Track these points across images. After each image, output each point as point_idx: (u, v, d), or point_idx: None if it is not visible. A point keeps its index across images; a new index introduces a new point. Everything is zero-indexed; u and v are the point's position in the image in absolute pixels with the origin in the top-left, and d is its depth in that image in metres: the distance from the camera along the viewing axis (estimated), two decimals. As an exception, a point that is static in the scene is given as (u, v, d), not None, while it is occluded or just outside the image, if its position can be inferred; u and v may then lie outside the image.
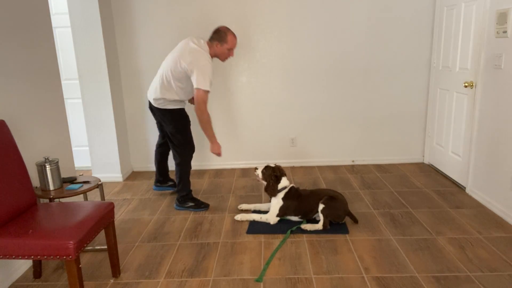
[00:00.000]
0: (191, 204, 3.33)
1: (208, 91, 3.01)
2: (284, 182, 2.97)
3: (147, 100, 3.37)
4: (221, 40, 3.10)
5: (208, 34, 3.07)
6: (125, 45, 4.12)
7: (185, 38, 3.20)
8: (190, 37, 3.18)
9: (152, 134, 4.31)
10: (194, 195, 3.50)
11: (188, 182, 3.35)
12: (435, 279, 2.25)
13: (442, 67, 3.91)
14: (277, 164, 3.04)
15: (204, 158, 4.40)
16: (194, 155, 3.38)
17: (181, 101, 3.24)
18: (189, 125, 3.30)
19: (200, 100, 3.00)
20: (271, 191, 2.94)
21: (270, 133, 4.36)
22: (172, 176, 3.99)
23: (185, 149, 3.27)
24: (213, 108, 4.29)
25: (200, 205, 3.32)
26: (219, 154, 3.26)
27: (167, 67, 3.11)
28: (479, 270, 2.32)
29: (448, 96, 3.79)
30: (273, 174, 2.95)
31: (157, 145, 3.61)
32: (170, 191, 3.74)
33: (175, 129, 3.21)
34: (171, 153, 3.53)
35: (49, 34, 2.92)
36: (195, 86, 2.99)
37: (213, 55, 3.15)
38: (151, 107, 3.31)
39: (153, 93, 3.19)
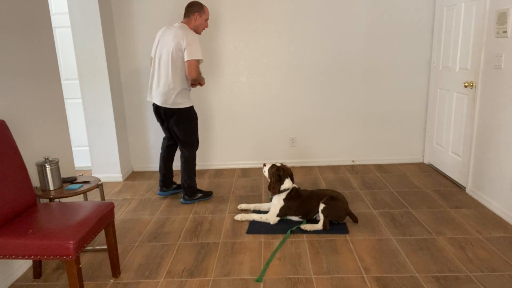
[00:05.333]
0: (200, 195, 3.49)
1: (199, 60, 3.05)
2: (287, 184, 2.97)
3: (152, 105, 3.34)
4: (200, 11, 3.13)
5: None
6: (125, 45, 4.12)
7: (161, 29, 3.25)
8: (165, 26, 3.24)
9: (152, 134, 4.32)
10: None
11: (195, 174, 3.47)
12: (435, 279, 2.25)
13: (442, 67, 3.91)
14: (284, 164, 3.05)
15: (204, 158, 4.40)
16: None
17: (189, 92, 3.26)
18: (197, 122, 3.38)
19: (192, 68, 3.03)
20: (273, 188, 2.97)
21: (270, 133, 4.36)
22: (175, 179, 3.98)
23: (194, 146, 3.39)
24: (213, 108, 4.29)
25: (208, 194, 3.54)
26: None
27: (167, 58, 3.09)
28: (479, 270, 2.32)
29: (448, 96, 3.79)
30: (277, 172, 2.96)
31: (164, 147, 3.52)
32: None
33: (185, 128, 3.27)
34: (176, 154, 3.61)
35: (49, 34, 2.93)
36: (186, 58, 3.03)
37: (192, 30, 3.17)
38: (160, 112, 3.28)
39: (162, 93, 3.15)
